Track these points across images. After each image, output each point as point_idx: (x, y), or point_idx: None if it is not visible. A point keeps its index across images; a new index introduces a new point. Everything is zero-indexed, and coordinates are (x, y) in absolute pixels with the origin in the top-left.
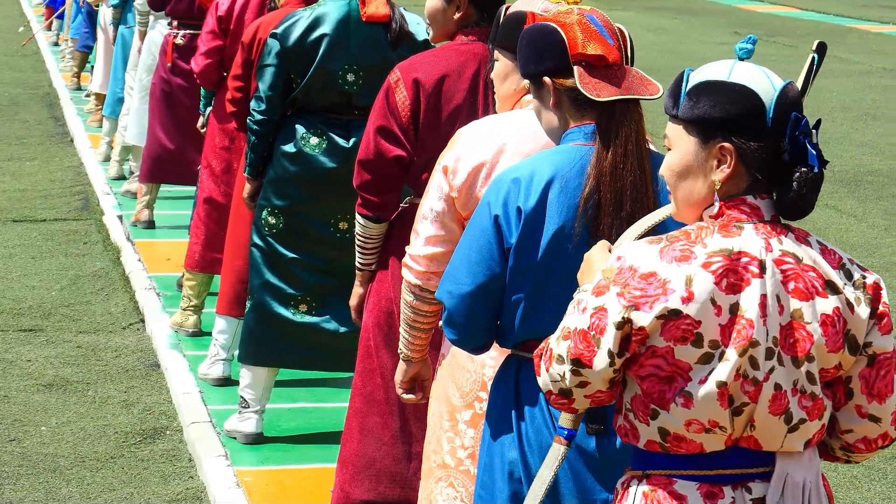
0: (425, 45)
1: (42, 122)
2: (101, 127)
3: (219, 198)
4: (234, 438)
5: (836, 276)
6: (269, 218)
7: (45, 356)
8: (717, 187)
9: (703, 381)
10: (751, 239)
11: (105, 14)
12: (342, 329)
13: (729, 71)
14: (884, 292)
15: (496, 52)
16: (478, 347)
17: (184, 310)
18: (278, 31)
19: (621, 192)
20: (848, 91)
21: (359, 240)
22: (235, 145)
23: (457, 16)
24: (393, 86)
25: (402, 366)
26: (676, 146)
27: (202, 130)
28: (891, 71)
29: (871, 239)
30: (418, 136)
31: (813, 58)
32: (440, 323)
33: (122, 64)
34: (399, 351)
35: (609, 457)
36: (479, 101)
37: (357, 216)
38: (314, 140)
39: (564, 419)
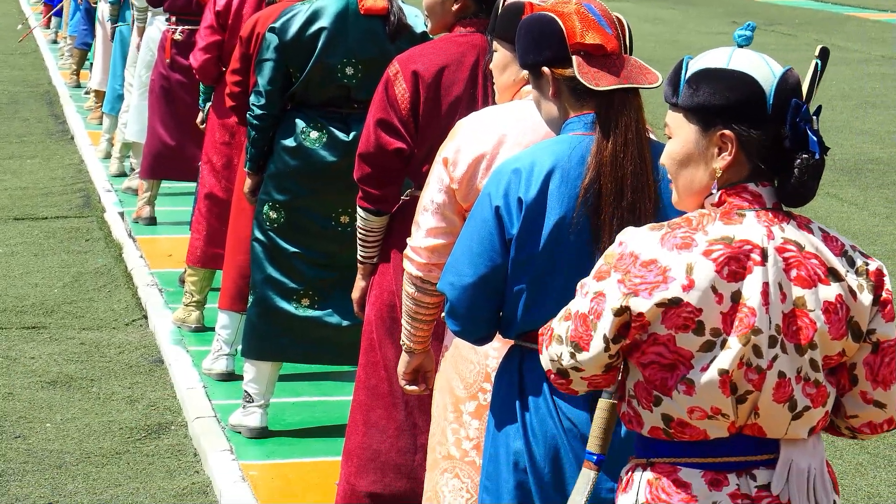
0: (424, 37)
1: (42, 120)
2: (101, 124)
3: (220, 193)
4: (239, 433)
5: (838, 264)
6: (271, 212)
7: (49, 353)
8: (719, 175)
9: (704, 369)
10: (752, 226)
11: (103, 10)
12: (345, 322)
13: (728, 58)
14: (887, 279)
15: (495, 43)
16: (480, 338)
17: (186, 305)
18: (276, 25)
19: (622, 181)
20: (847, 79)
21: (360, 233)
22: (236, 140)
23: (455, 7)
24: (392, 78)
25: (404, 357)
26: (677, 134)
27: (202, 126)
28: (890, 59)
29: (873, 227)
30: (418, 129)
31: (816, 64)
32: (443, 314)
33: (121, 61)
34: (402, 343)
35: (614, 446)
36: (478, 93)
37: (358, 209)
38: (314, 134)
39: (593, 444)
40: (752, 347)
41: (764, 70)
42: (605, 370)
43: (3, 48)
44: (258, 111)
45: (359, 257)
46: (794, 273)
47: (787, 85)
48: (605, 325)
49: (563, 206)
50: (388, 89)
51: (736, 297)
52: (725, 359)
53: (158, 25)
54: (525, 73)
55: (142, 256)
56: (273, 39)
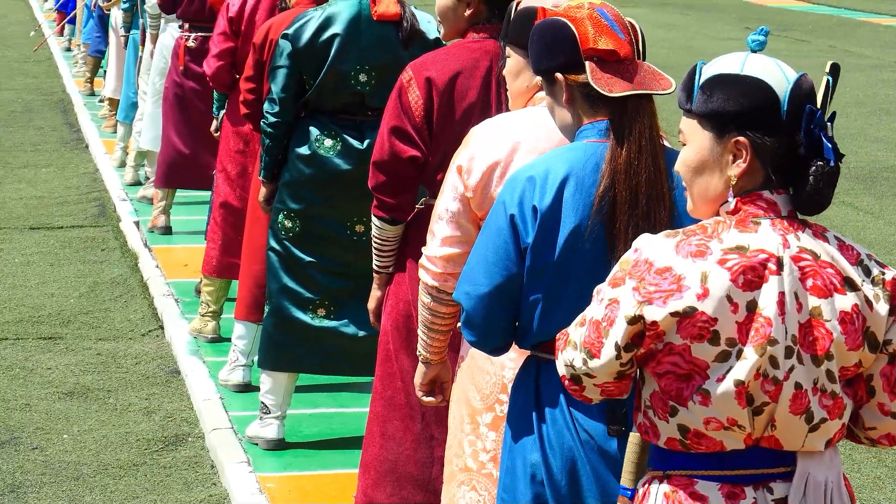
0: (437, 43)
1: (56, 129)
2: (115, 132)
3: (234, 202)
4: (256, 444)
5: (854, 273)
6: (286, 221)
7: (66, 364)
8: (734, 182)
9: (720, 380)
10: (768, 235)
11: (116, 18)
12: (361, 333)
13: (742, 63)
14: None
15: (507, 49)
16: (497, 349)
17: (202, 315)
18: (289, 31)
19: (636, 188)
20: (861, 86)
21: (375, 242)
22: (250, 148)
23: (467, 13)
24: (405, 85)
25: (421, 368)
26: (691, 141)
27: (216, 134)
28: None
29: (889, 236)
30: (432, 136)
31: (828, 80)
32: (459, 324)
33: (135, 68)
34: (418, 353)
35: None
36: (492, 99)
37: (373, 218)
38: (328, 142)
39: (626, 478)
40: (768, 358)
41: (778, 75)
42: (618, 378)
43: (17, 56)
44: (272, 119)
45: (374, 267)
46: (809, 282)
47: (802, 91)
48: (618, 333)
49: (577, 214)
50: (401, 96)
51: (751, 306)
52: (741, 369)
53: (171, 32)
54: (538, 79)
55: (158, 266)
56: (286, 46)
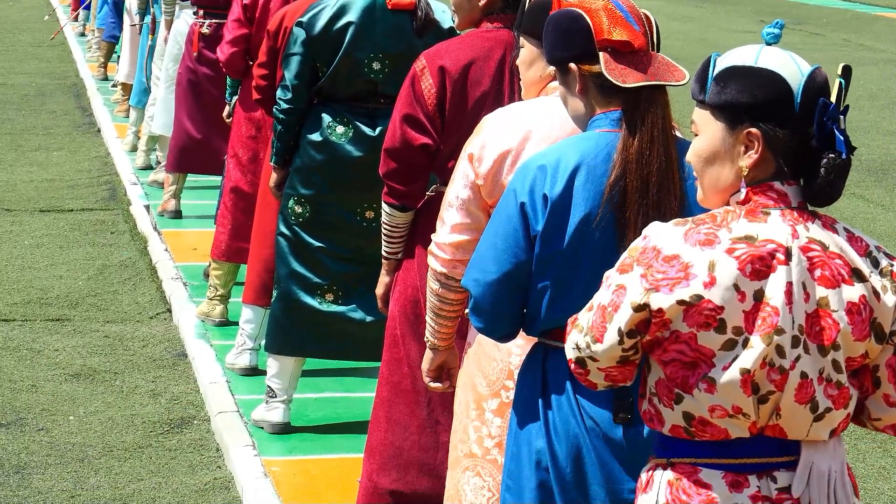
0: (451, 32)
1: (69, 113)
2: (127, 117)
3: (245, 187)
4: (262, 428)
5: (862, 264)
6: (296, 207)
7: (73, 346)
8: (745, 173)
9: (726, 368)
10: (777, 225)
11: (131, 4)
12: (368, 318)
13: (756, 56)
14: None
15: (521, 39)
16: (504, 335)
17: (210, 299)
18: (304, 19)
19: (647, 178)
20: (875, 79)
21: (385, 228)
22: (262, 134)
23: (482, 3)
24: (419, 74)
25: (428, 354)
26: (703, 132)
27: (228, 120)
28: None
29: None
30: (444, 124)
31: (840, 83)
32: (467, 311)
33: (147, 54)
34: (425, 339)
35: (636, 446)
36: (504, 88)
37: (383, 205)
38: (340, 129)
39: None
40: (775, 347)
41: (792, 68)
42: (621, 363)
43: (31, 40)
44: (285, 105)
45: (383, 253)
46: (818, 273)
47: (815, 84)
48: (621, 319)
49: (588, 203)
50: (414, 84)
51: (759, 295)
52: (748, 358)
53: (186, 19)
54: (552, 69)
55: (167, 250)
56: (300, 34)
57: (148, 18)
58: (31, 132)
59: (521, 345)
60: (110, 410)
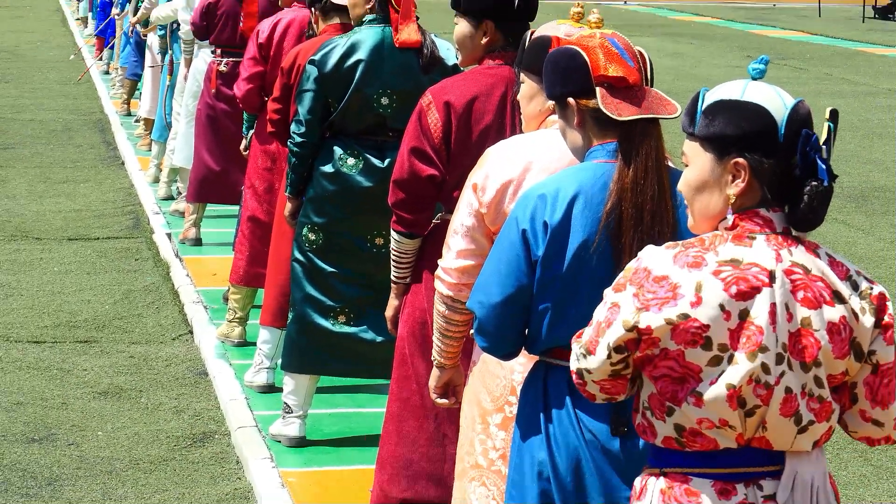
0: (455, 69)
1: (94, 147)
2: (150, 150)
3: (262, 216)
4: (279, 442)
5: (842, 287)
6: (310, 234)
7: (101, 366)
8: (732, 201)
9: (713, 383)
10: (762, 250)
11: (153, 43)
12: (379, 339)
13: (742, 90)
14: (889, 305)
15: (522, 75)
16: (507, 354)
17: (230, 321)
18: (316, 57)
19: (642, 206)
20: (855, 111)
21: (394, 255)
22: (277, 166)
23: (484, 41)
24: (425, 109)
25: (435, 372)
26: (693, 162)
27: (245, 153)
28: (895, 91)
29: (879, 251)
30: (450, 156)
31: (829, 126)
32: (471, 331)
33: (170, 91)
34: (433, 358)
35: (632, 457)
36: (506, 122)
37: (392, 233)
38: (351, 161)
39: None
40: (760, 365)
41: (776, 102)
42: (612, 377)
43: (59, 78)
44: (299, 139)
45: (392, 277)
46: (800, 294)
47: (798, 116)
48: (612, 336)
49: (586, 229)
50: (421, 119)
51: (744, 314)
52: (734, 374)
53: (204, 57)
54: (551, 103)
55: (188, 275)
56: (313, 71)
57: (167, 59)
58: (59, 165)
59: (524, 363)
60: (136, 426)
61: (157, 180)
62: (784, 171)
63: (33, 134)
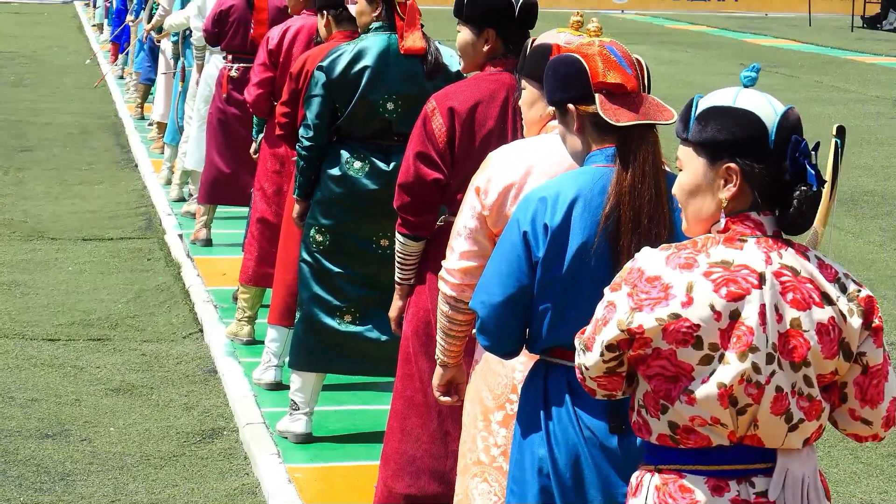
0: (458, 75)
1: (109, 150)
2: (162, 153)
3: (270, 217)
4: (286, 438)
5: (831, 289)
6: (317, 236)
7: (113, 363)
8: (724, 205)
9: (705, 381)
10: (752, 252)
11: (166, 48)
12: (384, 338)
13: (734, 97)
14: (878, 307)
15: (523, 82)
16: (508, 353)
17: (239, 320)
18: (324, 63)
19: (639, 210)
20: (845, 118)
21: (398, 256)
22: (286, 169)
23: (485, 48)
24: (430, 114)
25: (439, 370)
26: (687, 167)
27: (255, 156)
28: (884, 99)
29: (868, 254)
30: (454, 160)
31: (836, 143)
32: (474, 331)
33: (182, 96)
34: (436, 357)
35: (629, 454)
36: (508, 126)
37: (397, 235)
38: (357, 164)
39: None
40: (751, 364)
41: (767, 108)
42: (608, 374)
43: (75, 83)
44: (307, 143)
45: (396, 279)
46: (789, 296)
47: (788, 122)
48: (606, 335)
49: (585, 232)
50: (426, 124)
51: (734, 315)
52: (725, 374)
53: (216, 63)
54: (551, 109)
55: (199, 275)
56: (321, 77)
57: (179, 65)
58: (74, 168)
59: (524, 361)
60: (147, 422)
61: (169, 182)
62: (774, 176)
63: (50, 137)
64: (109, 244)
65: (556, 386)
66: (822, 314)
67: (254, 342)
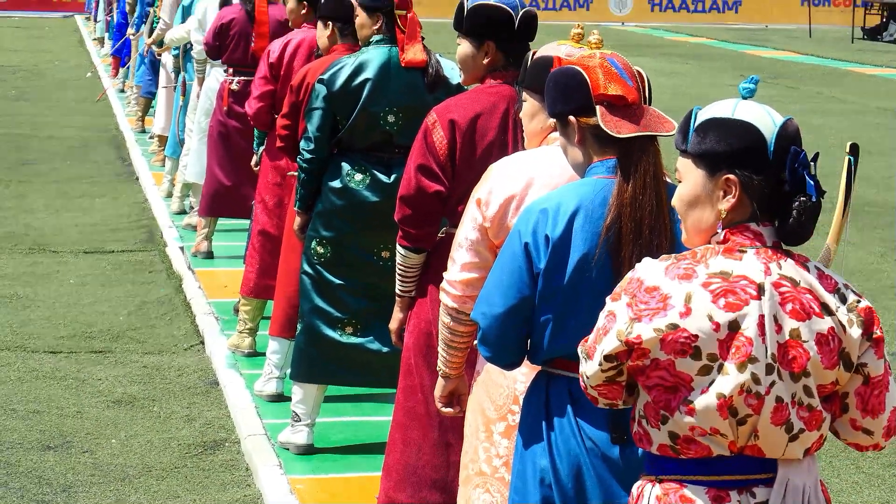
0: (458, 88)
1: (110, 163)
2: (163, 166)
3: (272, 230)
4: (288, 449)
5: (830, 299)
6: (318, 248)
7: (115, 375)
8: (724, 216)
9: (704, 391)
10: (751, 263)
11: (167, 62)
12: (385, 349)
13: (733, 108)
14: (878, 318)
15: (524, 94)
16: (510, 364)
17: (240, 332)
18: (325, 76)
19: (640, 221)
20: (845, 129)
21: (399, 269)
22: (287, 181)
23: (485, 61)
24: (430, 127)
25: (440, 382)
26: (686, 178)
27: (256, 168)
28: (884, 110)
29: (869, 265)
30: (455, 172)
31: (849, 160)
32: (475, 342)
33: (183, 109)
34: (438, 368)
35: (631, 465)
36: (508, 138)
37: (398, 247)
38: (358, 176)
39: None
40: (750, 375)
41: (766, 120)
42: (607, 382)
43: (76, 96)
44: (308, 155)
45: (397, 291)
46: (789, 307)
47: (787, 133)
48: (606, 345)
49: (586, 243)
50: (427, 137)
51: (733, 326)
52: (725, 385)
53: (216, 76)
54: (552, 121)
55: (200, 287)
56: (322, 90)
57: (180, 79)
58: (76, 181)
59: (526, 372)
60: (149, 434)
61: (170, 195)
62: (773, 187)
63: (52, 150)
64: (111, 257)
65: (557, 397)
66: (822, 325)
67: (255, 354)
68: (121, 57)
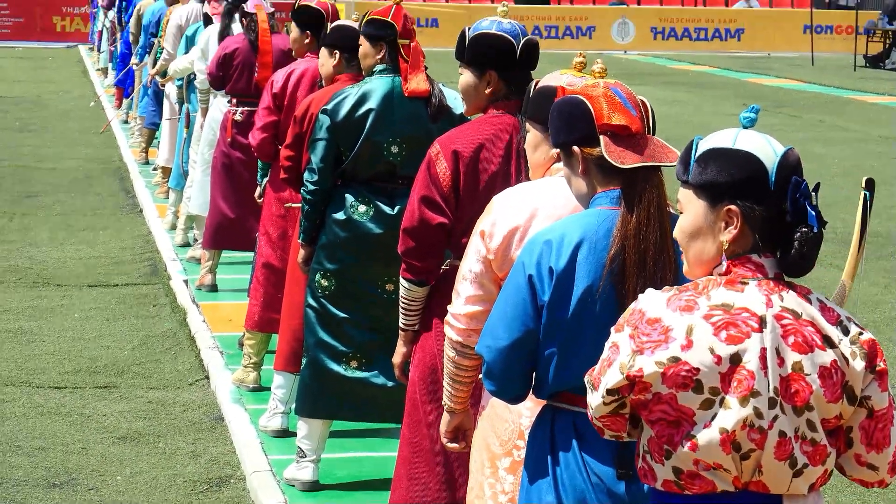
0: (462, 118)
1: (114, 195)
2: (167, 198)
3: (276, 262)
4: (293, 486)
5: (832, 332)
6: (322, 280)
7: (119, 411)
8: (726, 247)
9: (707, 426)
10: (753, 295)
11: (171, 92)
12: (390, 383)
13: (734, 139)
14: (881, 351)
15: (527, 124)
16: (514, 398)
17: (245, 367)
18: (329, 107)
19: (644, 253)
20: (848, 157)
21: (403, 302)
22: (291, 213)
23: (488, 90)
24: (434, 158)
25: (446, 417)
26: (687, 209)
27: (259, 200)
28: (887, 138)
29: (872, 296)
30: (459, 204)
31: (865, 195)
32: (480, 375)
33: (187, 140)
34: (443, 403)
35: (637, 500)
36: (512, 168)
37: (402, 280)
38: (362, 208)
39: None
40: (753, 409)
41: (767, 150)
42: (612, 414)
43: (79, 127)
44: (311, 187)
45: (400, 325)
46: (791, 339)
47: (788, 163)
48: (610, 377)
49: (590, 275)
50: (430, 168)
51: (735, 359)
52: (727, 419)
53: (220, 107)
54: (555, 151)
55: (204, 321)
56: (325, 120)
57: (184, 110)
58: (79, 213)
59: (531, 407)
60: (154, 470)
61: (174, 227)
62: (775, 218)
63: (55, 182)
64: (115, 290)
65: (563, 432)
66: (825, 357)
67: (260, 388)
68: (124, 87)
